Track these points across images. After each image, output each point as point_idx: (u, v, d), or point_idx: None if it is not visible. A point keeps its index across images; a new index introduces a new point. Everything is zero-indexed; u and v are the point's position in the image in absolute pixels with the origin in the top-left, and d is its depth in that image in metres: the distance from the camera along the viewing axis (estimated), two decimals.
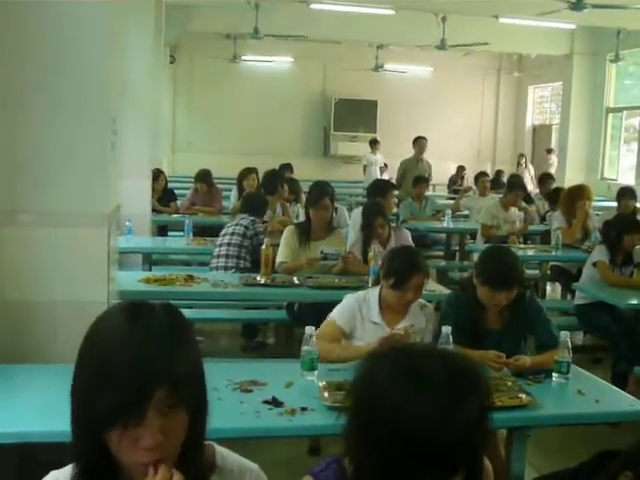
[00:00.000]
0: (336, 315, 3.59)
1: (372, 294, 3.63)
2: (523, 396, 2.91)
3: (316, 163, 17.44)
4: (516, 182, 8.79)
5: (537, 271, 7.64)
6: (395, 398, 1.36)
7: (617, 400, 3.13)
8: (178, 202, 8.81)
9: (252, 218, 6.16)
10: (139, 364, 1.31)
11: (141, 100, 7.63)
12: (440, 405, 1.34)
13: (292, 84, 18.09)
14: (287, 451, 3.76)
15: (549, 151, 16.91)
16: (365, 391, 1.42)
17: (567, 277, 6.92)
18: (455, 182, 14.16)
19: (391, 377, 1.39)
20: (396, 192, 7.58)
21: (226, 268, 5.86)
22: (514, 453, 2.99)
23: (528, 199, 9.29)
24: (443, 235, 9.01)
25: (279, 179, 7.62)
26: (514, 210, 8.07)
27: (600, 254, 5.70)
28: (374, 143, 14.98)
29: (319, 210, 5.34)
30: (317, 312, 4.19)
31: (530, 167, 15.86)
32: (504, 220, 7.88)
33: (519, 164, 15.50)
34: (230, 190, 8.85)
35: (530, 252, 7.48)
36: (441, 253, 9.07)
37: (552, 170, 14.96)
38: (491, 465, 1.94)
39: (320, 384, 2.92)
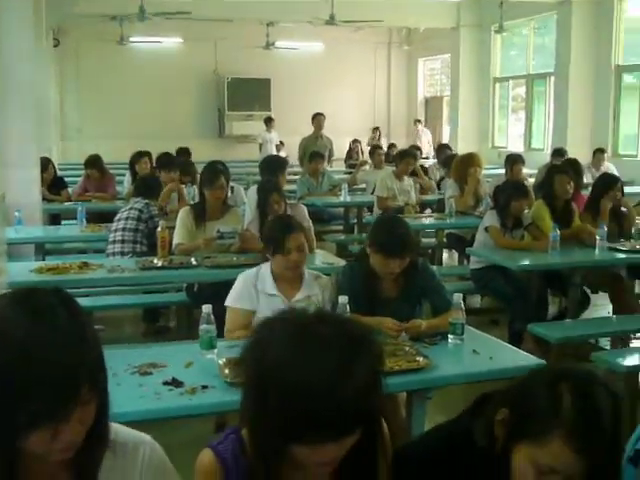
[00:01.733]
0: (233, 300, 3.59)
1: (265, 268, 3.67)
2: (420, 359, 2.98)
3: (212, 144, 17.26)
4: (405, 151, 8.94)
5: (433, 239, 7.80)
6: (287, 363, 1.36)
7: (510, 356, 3.24)
8: (70, 189, 8.57)
9: (146, 201, 6.05)
10: (58, 367, 1.24)
11: (24, 87, 7.32)
12: (332, 369, 1.36)
13: (183, 65, 17.80)
14: (194, 430, 3.73)
15: (417, 122, 17.44)
16: (257, 357, 1.43)
17: (462, 244, 7.09)
18: (351, 157, 14.29)
19: (283, 343, 1.40)
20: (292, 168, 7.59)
21: (122, 253, 5.75)
22: (414, 415, 3.06)
23: (424, 171, 9.52)
24: (341, 209, 9.09)
25: (173, 161, 7.56)
26: (408, 180, 8.21)
27: (491, 219, 5.87)
28: (269, 121, 14.94)
29: (215, 190, 5.29)
30: (217, 292, 4.17)
31: (427, 131, 16.28)
32: (399, 190, 8.01)
33: (416, 130, 15.91)
34: (124, 175, 8.69)
35: (426, 221, 7.63)
36: (340, 227, 9.16)
37: (419, 141, 15.44)
38: (393, 428, 1.98)
39: (220, 361, 2.90)
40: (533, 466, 1.51)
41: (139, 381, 2.82)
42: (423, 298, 3.67)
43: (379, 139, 15.79)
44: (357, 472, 1.56)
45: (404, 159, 8.22)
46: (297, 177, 9.60)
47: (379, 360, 1.47)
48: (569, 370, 1.61)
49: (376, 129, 16.43)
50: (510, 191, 5.90)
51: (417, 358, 2.99)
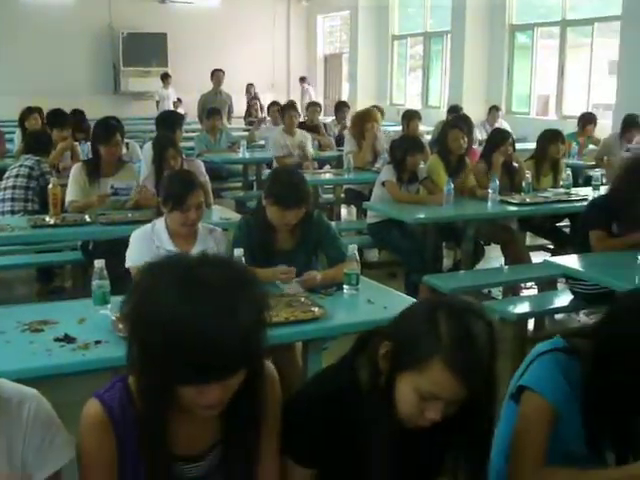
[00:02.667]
0: (135, 259, 3.50)
1: (159, 224, 3.62)
2: (315, 309, 3.01)
3: (106, 101, 16.72)
4: (286, 106, 8.97)
5: (332, 195, 7.85)
6: (170, 306, 1.36)
7: (404, 305, 3.28)
8: None
9: (37, 158, 5.87)
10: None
11: None
12: (215, 310, 1.36)
13: (76, 19, 17.11)
14: (88, 388, 3.66)
15: (302, 80, 17.56)
16: (142, 301, 1.42)
17: (360, 199, 7.16)
18: (250, 114, 14.17)
19: (166, 286, 1.40)
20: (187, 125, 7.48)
21: (13, 212, 5.57)
22: (310, 364, 3.10)
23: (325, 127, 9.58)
24: (240, 166, 9.03)
25: (65, 118, 7.32)
26: (301, 133, 8.21)
27: (388, 174, 5.95)
28: (165, 77, 14.64)
29: (110, 147, 5.16)
30: (112, 249, 4.11)
31: (310, 89, 16.49)
32: (292, 146, 7.99)
33: (302, 87, 16.01)
34: (14, 133, 8.39)
35: (324, 176, 7.66)
36: (239, 184, 9.10)
37: (306, 99, 15.54)
38: (291, 377, 2.00)
39: (114, 317, 2.86)
40: (416, 394, 1.57)
41: (29, 338, 2.75)
42: (319, 250, 3.70)
43: (254, 96, 15.69)
44: (243, 415, 1.58)
45: (287, 113, 8.28)
46: (195, 134, 9.47)
47: (263, 301, 1.48)
48: (446, 300, 1.68)
49: (250, 85, 16.30)
50: (406, 146, 5.98)
51: (312, 308, 3.02)
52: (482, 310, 1.63)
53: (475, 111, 10.04)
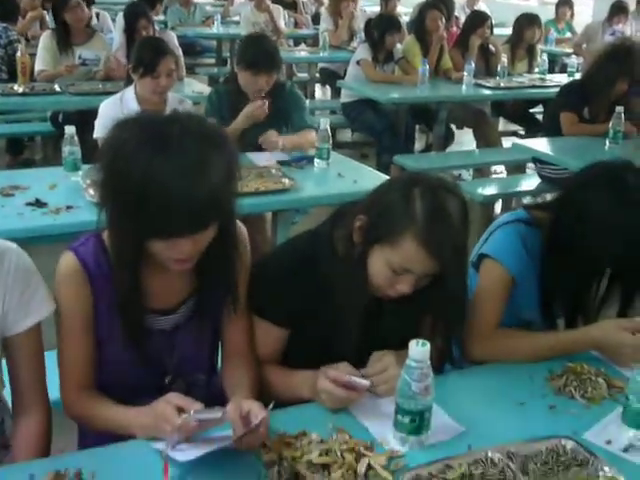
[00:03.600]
0: (102, 129, 3.48)
1: (128, 93, 3.60)
2: (286, 181, 3.04)
3: None
4: None
5: (306, 74, 7.75)
6: (141, 161, 1.38)
7: (374, 180, 3.29)
8: None
9: (4, 25, 5.68)
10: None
11: None
12: (186, 165, 1.38)
13: None
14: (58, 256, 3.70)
15: None
16: (112, 158, 1.43)
17: (335, 78, 7.08)
18: None
19: (137, 142, 1.41)
20: None
21: None
22: (279, 236, 3.17)
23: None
24: (214, 42, 8.83)
25: None
26: (274, 8, 7.98)
27: (363, 52, 5.88)
28: None
29: (71, 11, 5.00)
30: (82, 120, 4.06)
31: None
32: (265, 23, 7.79)
33: None
34: None
35: (299, 54, 7.54)
36: (212, 60, 8.93)
37: None
38: (261, 245, 2.04)
39: (85, 183, 2.86)
40: (388, 267, 1.61)
41: (0, 202, 2.76)
42: (289, 121, 3.71)
43: None
44: (215, 271, 1.63)
45: None
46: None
47: (232, 157, 1.49)
48: (421, 176, 1.69)
49: None
50: (384, 25, 5.89)
51: (283, 180, 3.05)
52: (456, 187, 1.66)
53: None
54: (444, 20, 6.15)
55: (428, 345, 1.44)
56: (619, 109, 4.06)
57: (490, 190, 4.60)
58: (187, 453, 1.38)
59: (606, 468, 1.42)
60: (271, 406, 1.45)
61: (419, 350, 1.44)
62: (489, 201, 4.55)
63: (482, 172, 5.84)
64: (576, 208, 1.85)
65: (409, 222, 1.56)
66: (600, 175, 1.89)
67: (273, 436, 1.48)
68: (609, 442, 1.54)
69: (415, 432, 1.48)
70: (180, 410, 1.43)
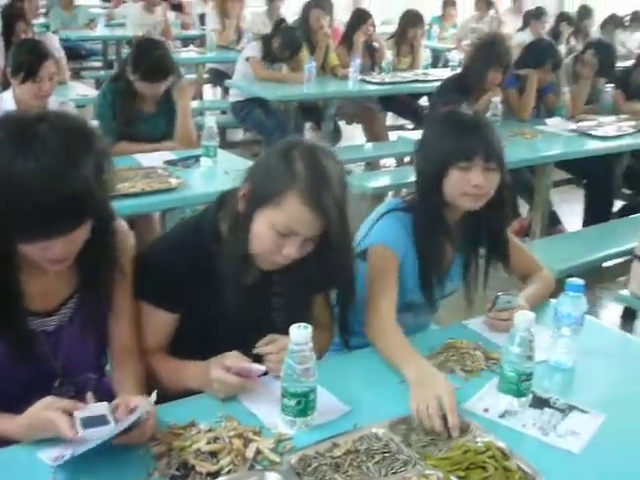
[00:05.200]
0: None
1: (7, 98, 3.51)
2: (173, 180, 3.04)
3: None
4: None
5: (195, 75, 7.70)
6: (7, 162, 1.36)
7: None
8: None
9: None
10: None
11: None
12: (53, 164, 1.37)
13: None
14: None
15: None
16: None
17: (224, 78, 7.05)
18: None
19: (2, 143, 1.39)
20: None
21: None
22: None
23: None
24: (99, 45, 8.67)
25: None
26: (162, 8, 7.93)
27: (252, 50, 5.87)
28: None
29: None
30: None
31: None
32: (154, 25, 7.72)
33: None
34: None
35: (186, 55, 7.48)
36: (99, 64, 8.75)
37: None
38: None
39: None
40: (273, 230, 1.64)
41: None
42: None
43: None
44: (95, 266, 1.62)
45: None
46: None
47: (102, 153, 1.49)
48: (300, 140, 1.76)
49: None
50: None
51: (169, 179, 3.05)
52: (333, 152, 1.72)
53: None
54: (327, 18, 6.24)
55: (310, 328, 1.49)
56: (495, 100, 4.24)
57: (378, 182, 4.69)
58: (73, 451, 1.37)
59: (484, 434, 1.50)
60: (154, 396, 1.46)
61: (300, 333, 1.48)
62: (379, 193, 4.64)
63: (372, 166, 5.96)
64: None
65: (291, 182, 1.61)
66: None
67: (163, 428, 1.49)
68: (487, 410, 1.62)
69: (301, 414, 1.52)
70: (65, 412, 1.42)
